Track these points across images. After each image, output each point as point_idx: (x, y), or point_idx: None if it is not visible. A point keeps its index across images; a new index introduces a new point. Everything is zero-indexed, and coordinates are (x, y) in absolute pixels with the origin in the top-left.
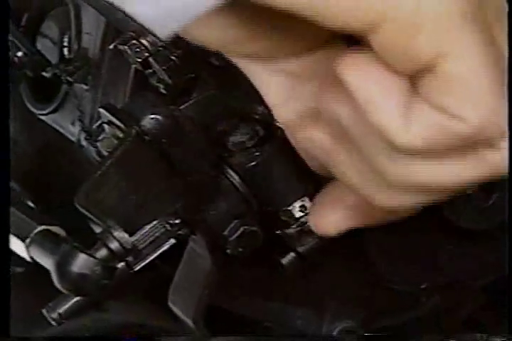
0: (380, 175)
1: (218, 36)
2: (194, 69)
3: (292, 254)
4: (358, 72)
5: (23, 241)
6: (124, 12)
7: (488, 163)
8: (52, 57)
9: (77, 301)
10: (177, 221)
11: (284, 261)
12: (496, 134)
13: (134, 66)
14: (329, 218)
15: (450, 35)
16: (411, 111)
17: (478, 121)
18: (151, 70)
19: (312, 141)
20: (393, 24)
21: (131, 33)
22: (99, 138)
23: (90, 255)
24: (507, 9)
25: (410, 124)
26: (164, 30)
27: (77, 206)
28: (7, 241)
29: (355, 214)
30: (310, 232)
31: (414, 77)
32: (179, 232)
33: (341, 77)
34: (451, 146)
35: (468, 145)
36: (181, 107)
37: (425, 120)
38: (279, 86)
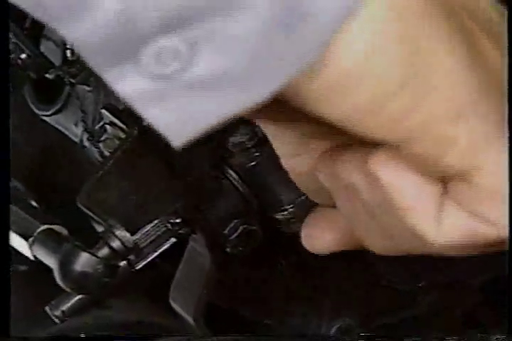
0: (389, 239)
1: None
2: None
3: (291, 253)
4: (391, 171)
5: (27, 240)
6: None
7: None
8: (56, 59)
9: (79, 299)
10: (178, 220)
11: (284, 259)
12: None
13: None
14: (321, 240)
15: (483, 150)
16: (442, 212)
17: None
18: None
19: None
20: (427, 138)
21: None
22: (102, 138)
23: (92, 254)
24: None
25: (441, 224)
26: (178, 138)
27: (80, 205)
28: (7, 241)
29: (346, 238)
30: None
31: (446, 181)
32: (180, 231)
33: (374, 172)
34: (478, 246)
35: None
36: None
37: (456, 222)
38: (290, 141)
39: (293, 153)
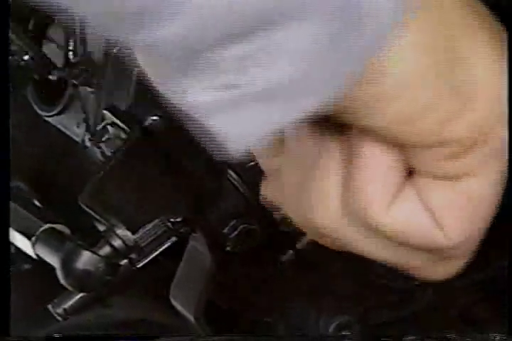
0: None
1: None
2: None
3: (291, 252)
4: (368, 146)
5: (29, 238)
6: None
7: (441, 270)
8: (58, 61)
9: (81, 297)
10: (178, 219)
11: (283, 258)
12: (462, 256)
13: (137, 69)
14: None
15: (489, 161)
16: (398, 197)
17: (456, 239)
18: None
19: None
20: (450, 144)
21: None
22: (103, 139)
23: (94, 252)
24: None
25: (392, 206)
26: (238, 147)
27: (82, 205)
28: (8, 241)
29: None
30: None
31: (416, 172)
32: (180, 230)
33: (357, 144)
34: (421, 245)
35: (433, 251)
36: None
37: (408, 211)
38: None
39: (269, 154)
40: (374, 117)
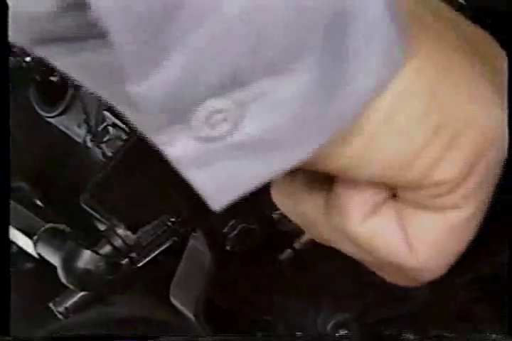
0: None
1: None
2: None
3: (289, 251)
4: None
5: (31, 238)
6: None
7: (407, 281)
8: None
9: (83, 296)
10: (178, 219)
11: (282, 257)
12: (429, 276)
13: None
14: None
15: (476, 195)
16: (376, 217)
17: (425, 263)
18: None
19: None
20: (434, 187)
21: None
22: (104, 139)
23: (95, 251)
24: None
25: (367, 222)
26: (218, 202)
27: (83, 205)
28: (8, 240)
29: None
30: None
31: (399, 195)
32: (180, 230)
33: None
34: (384, 257)
35: (399, 269)
36: None
37: (382, 228)
38: None
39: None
40: (361, 169)
